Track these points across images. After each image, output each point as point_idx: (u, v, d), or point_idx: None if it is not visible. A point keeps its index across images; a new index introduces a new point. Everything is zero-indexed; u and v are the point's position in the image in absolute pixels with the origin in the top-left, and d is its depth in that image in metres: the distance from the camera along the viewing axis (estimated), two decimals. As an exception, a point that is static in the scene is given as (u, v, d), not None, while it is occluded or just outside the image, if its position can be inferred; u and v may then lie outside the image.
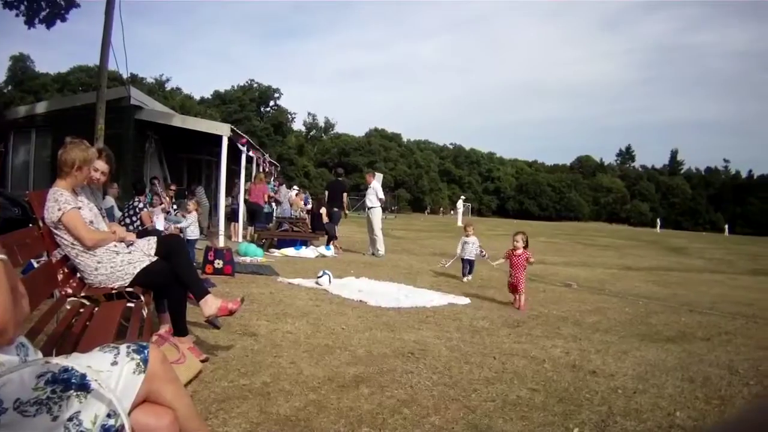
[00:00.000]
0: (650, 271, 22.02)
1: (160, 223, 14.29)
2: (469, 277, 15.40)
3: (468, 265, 15.51)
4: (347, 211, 23.26)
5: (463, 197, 71.09)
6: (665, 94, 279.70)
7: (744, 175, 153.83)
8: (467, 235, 15.63)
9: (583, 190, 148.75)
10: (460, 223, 54.94)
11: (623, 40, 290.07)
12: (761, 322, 11.43)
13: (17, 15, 21.96)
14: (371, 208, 21.41)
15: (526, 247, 12.17)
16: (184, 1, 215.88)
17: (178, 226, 15.13)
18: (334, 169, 27.07)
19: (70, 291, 5.83)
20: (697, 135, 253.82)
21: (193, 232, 15.26)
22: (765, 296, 16.04)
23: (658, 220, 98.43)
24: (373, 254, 20.83)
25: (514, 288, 11.86)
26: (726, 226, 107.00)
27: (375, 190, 21.43)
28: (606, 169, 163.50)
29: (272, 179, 29.73)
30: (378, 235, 21.13)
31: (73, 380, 2.77)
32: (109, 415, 2.79)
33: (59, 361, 2.88)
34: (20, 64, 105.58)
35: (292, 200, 27.09)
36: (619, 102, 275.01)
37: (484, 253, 15.53)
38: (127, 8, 21.04)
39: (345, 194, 23.02)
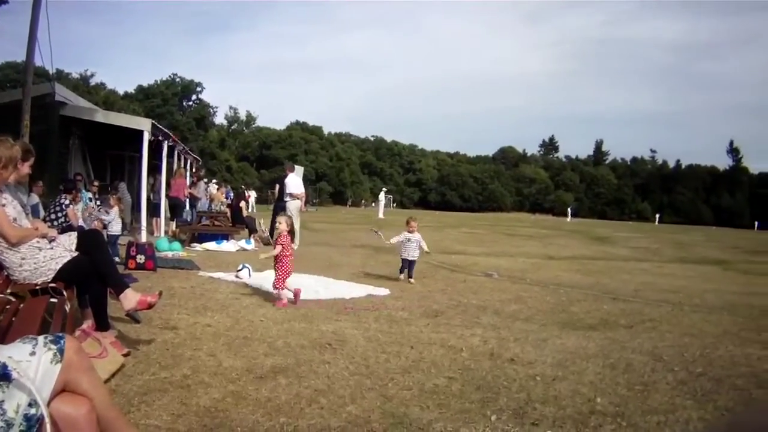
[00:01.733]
0: (573, 260, 22.32)
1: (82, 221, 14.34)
2: (411, 280, 13.82)
3: (408, 265, 14.03)
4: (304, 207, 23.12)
5: (384, 189, 70.85)
6: (589, 86, 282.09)
7: (672, 165, 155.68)
8: (411, 231, 14.15)
9: (506, 181, 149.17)
10: (381, 216, 54.86)
11: (546, 32, 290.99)
12: (687, 309, 11.64)
13: (-56, 10, 21.75)
14: (285, 201, 21.45)
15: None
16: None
17: (102, 218, 15.13)
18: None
19: None
20: (622, 126, 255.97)
21: (115, 228, 15.31)
22: (692, 283, 16.37)
23: (569, 209, 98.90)
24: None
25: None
26: (657, 216, 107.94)
27: (287, 184, 21.50)
28: (529, 159, 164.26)
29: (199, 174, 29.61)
30: (296, 227, 20.97)
31: None
32: (30, 404, 2.94)
33: None
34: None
35: (213, 195, 27.07)
36: (542, 93, 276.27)
37: (426, 249, 14.50)
38: (54, 3, 20.87)
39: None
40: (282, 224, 11.22)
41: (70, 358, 3.27)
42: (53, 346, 3.24)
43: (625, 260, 23.80)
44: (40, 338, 3.30)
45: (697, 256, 28.11)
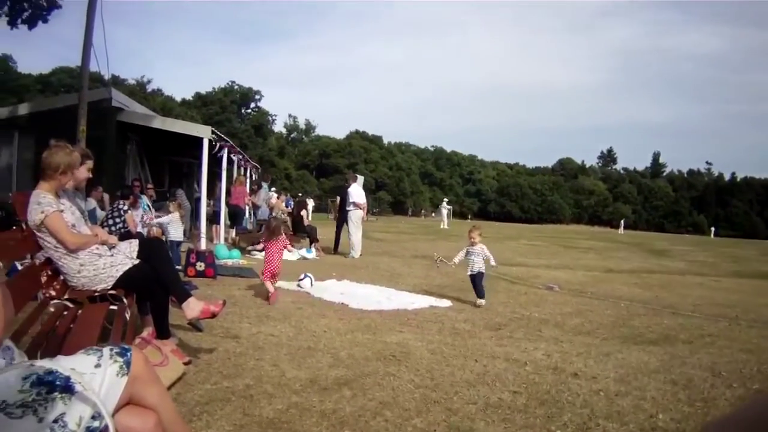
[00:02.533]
0: (632, 273, 21.88)
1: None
2: (480, 301, 12.01)
3: (473, 281, 12.30)
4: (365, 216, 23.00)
5: (446, 200, 70.36)
6: (647, 97, 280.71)
7: (727, 177, 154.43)
8: (473, 243, 12.44)
9: (565, 193, 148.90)
10: (445, 226, 54.67)
11: (605, 43, 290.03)
12: (744, 324, 11.37)
13: (0, 15, 21.90)
14: (348, 211, 21.48)
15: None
16: (166, 3, 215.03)
17: (159, 221, 15.11)
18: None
19: (53, 293, 5.83)
20: (679, 138, 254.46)
21: (176, 234, 15.25)
22: (747, 298, 15.97)
23: (622, 222, 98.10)
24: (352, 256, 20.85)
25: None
26: (712, 229, 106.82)
27: (350, 193, 21.51)
28: (588, 171, 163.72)
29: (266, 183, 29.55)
30: (351, 238, 21.35)
31: (57, 382, 2.79)
32: (93, 417, 2.81)
33: (44, 364, 2.90)
34: (2, 65, 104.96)
35: (273, 203, 27.02)
36: (601, 104, 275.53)
37: (494, 263, 12.70)
38: (109, 9, 20.94)
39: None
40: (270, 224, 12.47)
41: (138, 371, 3.17)
42: (120, 359, 3.14)
43: (682, 274, 23.44)
44: (106, 350, 3.18)
45: (752, 270, 27.57)
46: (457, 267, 13.54)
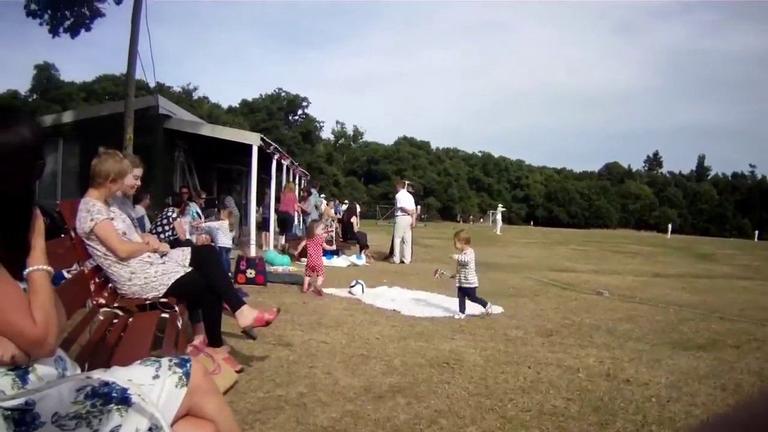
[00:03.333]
0: (679, 278, 21.82)
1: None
2: (462, 315, 10.96)
3: (464, 295, 11.15)
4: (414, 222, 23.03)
5: (501, 205, 69.81)
6: (692, 100, 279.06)
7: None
8: (463, 251, 11.25)
9: (612, 197, 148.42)
10: (498, 232, 54.45)
11: (649, 45, 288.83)
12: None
13: (41, 24, 22.09)
14: (395, 216, 21.52)
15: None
16: (210, 10, 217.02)
17: (208, 224, 15.15)
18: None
19: (102, 301, 5.81)
20: (723, 140, 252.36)
21: (225, 241, 15.26)
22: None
23: (669, 226, 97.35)
24: (401, 261, 20.96)
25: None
26: (756, 233, 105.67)
27: (398, 199, 21.52)
28: (634, 175, 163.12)
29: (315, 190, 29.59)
30: (395, 243, 21.42)
31: (113, 394, 2.75)
32: (150, 429, 2.75)
33: (99, 375, 2.84)
34: (45, 73, 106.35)
35: (322, 211, 27.05)
36: (647, 107, 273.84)
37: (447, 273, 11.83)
38: (154, 17, 21.13)
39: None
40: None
41: (197, 382, 3.11)
42: (179, 370, 3.08)
43: (727, 278, 23.34)
44: (164, 360, 3.13)
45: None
46: (509, 272, 13.47)
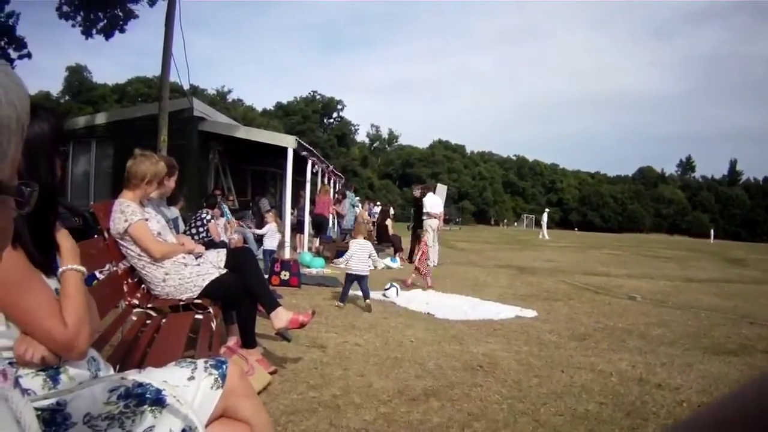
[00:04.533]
0: (711, 282, 21.71)
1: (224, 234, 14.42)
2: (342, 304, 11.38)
3: (354, 282, 11.69)
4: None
5: (547, 210, 69.30)
6: (725, 103, 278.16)
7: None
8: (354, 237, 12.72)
9: (645, 202, 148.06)
10: (546, 236, 54.18)
11: (681, 49, 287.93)
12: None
13: (74, 26, 22.25)
14: (423, 221, 21.39)
15: None
16: (244, 13, 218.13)
17: (258, 232, 15.20)
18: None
19: (136, 302, 5.83)
20: (754, 145, 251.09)
21: (271, 244, 15.29)
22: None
23: (712, 231, 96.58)
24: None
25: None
26: None
27: (424, 203, 21.38)
28: (667, 180, 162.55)
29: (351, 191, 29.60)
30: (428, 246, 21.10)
31: (147, 395, 2.72)
32: (184, 431, 2.72)
33: (134, 376, 2.83)
34: (77, 75, 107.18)
35: (357, 212, 27.06)
36: (679, 111, 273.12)
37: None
38: (187, 19, 21.16)
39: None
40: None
41: (233, 384, 3.07)
42: (215, 371, 3.05)
43: (759, 283, 23.18)
44: (200, 362, 3.10)
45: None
46: (544, 276, 13.49)
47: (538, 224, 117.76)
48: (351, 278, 11.65)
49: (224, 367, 3.08)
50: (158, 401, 2.71)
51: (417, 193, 22.63)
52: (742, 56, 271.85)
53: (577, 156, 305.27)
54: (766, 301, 16.52)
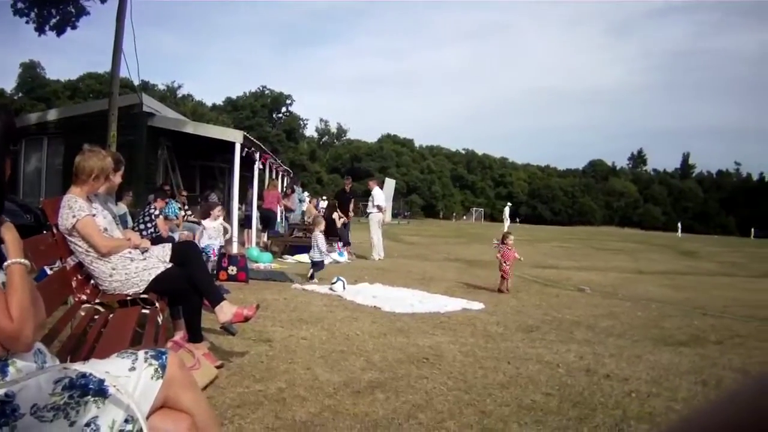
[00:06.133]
0: (663, 274, 22.01)
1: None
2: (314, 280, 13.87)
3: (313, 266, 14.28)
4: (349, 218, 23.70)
5: (509, 204, 69.14)
6: (676, 98, 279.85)
7: (755, 177, 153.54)
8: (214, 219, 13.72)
9: (596, 195, 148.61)
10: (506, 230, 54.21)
11: (633, 45, 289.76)
12: (774, 325, 11.37)
13: (27, 22, 22.10)
14: (369, 213, 22.01)
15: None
16: (196, 8, 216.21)
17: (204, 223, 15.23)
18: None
19: (84, 297, 5.83)
20: (707, 138, 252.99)
21: (218, 241, 15.36)
22: (778, 298, 15.93)
23: (679, 225, 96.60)
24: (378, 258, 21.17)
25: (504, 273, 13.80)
26: (753, 230, 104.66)
27: (373, 196, 21.88)
28: (618, 173, 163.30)
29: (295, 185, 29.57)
30: (372, 240, 21.67)
31: (90, 386, 2.79)
32: (126, 420, 2.79)
33: (77, 367, 2.90)
34: (31, 72, 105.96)
35: (305, 207, 27.08)
36: (630, 106, 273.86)
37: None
38: (139, 15, 21.11)
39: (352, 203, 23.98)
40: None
41: (173, 374, 3.14)
42: (155, 362, 3.12)
43: (712, 275, 23.62)
44: (141, 353, 3.18)
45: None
46: (492, 269, 13.73)
47: (487, 218, 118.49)
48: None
49: (164, 357, 3.15)
50: (101, 392, 2.79)
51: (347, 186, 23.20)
52: (696, 52, 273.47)
53: (527, 150, 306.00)
54: (718, 292, 16.86)
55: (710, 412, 0.81)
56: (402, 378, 6.65)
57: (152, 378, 3.03)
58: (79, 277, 6.08)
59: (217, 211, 14.93)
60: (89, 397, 2.76)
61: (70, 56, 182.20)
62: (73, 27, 22.68)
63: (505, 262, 13.84)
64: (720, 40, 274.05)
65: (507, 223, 58.97)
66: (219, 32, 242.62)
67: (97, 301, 5.85)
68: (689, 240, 65.62)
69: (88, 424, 2.72)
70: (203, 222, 13.35)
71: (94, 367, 2.92)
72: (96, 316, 5.47)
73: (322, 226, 15.43)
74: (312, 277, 14.15)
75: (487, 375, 6.96)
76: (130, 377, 2.95)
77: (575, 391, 6.48)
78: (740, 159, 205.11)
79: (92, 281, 6.20)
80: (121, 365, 3.02)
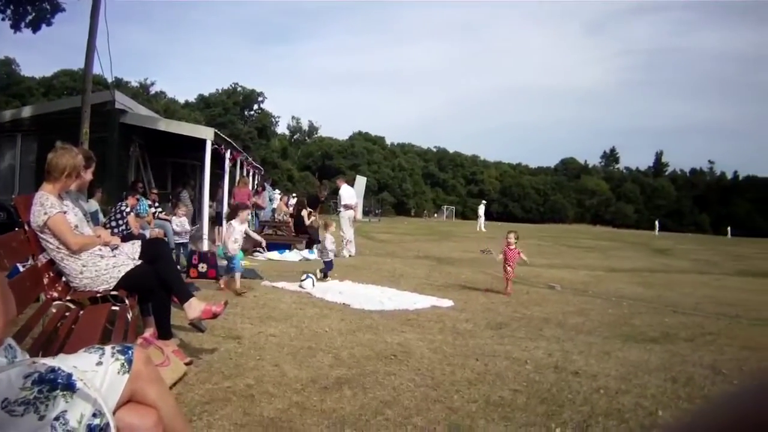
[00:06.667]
0: (634, 272, 22.02)
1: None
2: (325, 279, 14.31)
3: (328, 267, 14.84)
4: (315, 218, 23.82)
5: (484, 201, 68.83)
6: (649, 97, 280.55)
7: (729, 176, 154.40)
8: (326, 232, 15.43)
9: (568, 193, 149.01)
10: (483, 229, 54.20)
11: (606, 43, 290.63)
12: (745, 323, 11.45)
13: (3, 19, 21.99)
14: (337, 212, 22.29)
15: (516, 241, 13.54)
16: (169, 4, 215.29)
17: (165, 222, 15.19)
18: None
19: (55, 294, 5.88)
20: (681, 137, 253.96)
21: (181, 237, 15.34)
22: (750, 296, 16.04)
23: (657, 222, 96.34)
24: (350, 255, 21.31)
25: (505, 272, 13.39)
26: (729, 229, 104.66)
27: (340, 195, 22.17)
28: (590, 171, 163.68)
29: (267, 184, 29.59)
30: (344, 237, 21.83)
31: (59, 380, 2.84)
32: (94, 415, 2.85)
33: (46, 362, 2.96)
34: (5, 68, 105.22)
35: (276, 205, 27.08)
36: (603, 104, 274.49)
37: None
38: (113, 12, 21.08)
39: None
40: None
41: (139, 369, 3.21)
42: (121, 357, 3.18)
43: (685, 273, 23.62)
44: (108, 348, 3.24)
45: (755, 268, 27.69)
46: (462, 266, 13.73)
47: (459, 216, 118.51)
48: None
49: (130, 352, 3.22)
50: (69, 386, 2.85)
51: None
52: (670, 50, 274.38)
53: (499, 148, 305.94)
54: (690, 290, 16.93)
55: (712, 413, 0.82)
56: (370, 374, 6.69)
57: (119, 372, 3.09)
58: (51, 274, 6.12)
59: (182, 210, 14.99)
60: (58, 391, 2.82)
61: (45, 53, 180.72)
62: (48, 24, 22.57)
63: (508, 263, 13.73)
64: (694, 39, 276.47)
65: (482, 221, 58.66)
66: (192, 29, 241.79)
67: (68, 298, 5.90)
68: (664, 238, 65.84)
69: (57, 418, 2.78)
70: (232, 223, 13.15)
71: (63, 362, 2.98)
72: (67, 313, 5.50)
73: (333, 228, 15.64)
74: (325, 276, 14.39)
75: (455, 372, 7.00)
76: (97, 372, 3.02)
77: (543, 387, 6.52)
78: (714, 157, 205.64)
79: (63, 278, 6.24)
80: (89, 360, 3.08)
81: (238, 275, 12.00)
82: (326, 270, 14.50)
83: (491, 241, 23.13)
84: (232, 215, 13.15)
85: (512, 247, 13.68)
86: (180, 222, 15.41)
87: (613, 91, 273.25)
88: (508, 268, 13.60)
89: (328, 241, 14.93)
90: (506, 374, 6.98)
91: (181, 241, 15.21)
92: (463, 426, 5.32)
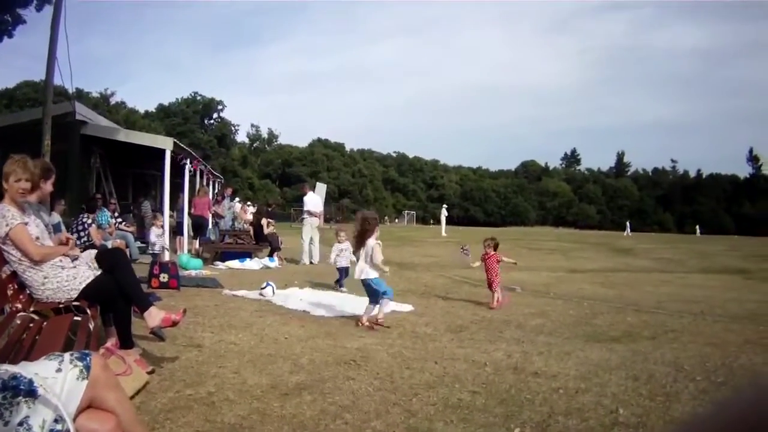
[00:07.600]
0: (596, 272, 22.09)
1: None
2: (343, 288, 14.74)
3: (343, 273, 15.07)
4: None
5: (445, 206, 68.66)
6: (609, 97, 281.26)
7: (692, 174, 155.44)
8: (340, 242, 15.44)
9: (529, 195, 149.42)
10: (444, 234, 54.16)
11: (564, 44, 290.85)
12: (709, 320, 11.48)
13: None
14: (302, 219, 22.39)
15: (495, 249, 13.11)
16: (131, 15, 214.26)
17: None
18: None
19: (19, 306, 5.92)
20: (643, 136, 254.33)
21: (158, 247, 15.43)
22: (713, 293, 16.10)
23: (628, 223, 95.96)
24: (311, 262, 21.50)
25: (489, 286, 12.85)
26: (698, 228, 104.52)
27: (305, 202, 22.31)
28: (551, 173, 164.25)
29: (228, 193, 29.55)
30: (303, 244, 22.06)
31: (21, 386, 2.95)
32: (56, 420, 2.95)
33: (7, 368, 3.07)
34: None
35: (237, 213, 27.10)
36: (563, 106, 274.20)
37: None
38: (74, 22, 21.08)
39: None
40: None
41: (97, 375, 3.30)
42: (79, 363, 3.27)
43: (648, 272, 23.59)
44: (66, 355, 3.33)
45: (719, 265, 27.79)
46: (422, 271, 13.74)
47: (419, 220, 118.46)
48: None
49: (88, 359, 3.33)
50: (31, 392, 2.96)
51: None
52: (631, 49, 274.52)
53: (459, 152, 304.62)
54: (652, 288, 17.03)
55: (711, 416, 0.85)
56: (329, 380, 6.74)
57: (77, 378, 3.20)
58: (14, 286, 6.17)
59: (159, 221, 15.07)
60: (21, 397, 2.93)
61: (7, 64, 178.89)
62: (10, 35, 22.57)
63: (487, 273, 13.04)
64: (654, 38, 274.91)
65: (444, 225, 58.64)
66: (151, 37, 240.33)
67: (31, 309, 5.94)
68: (629, 238, 66.09)
69: (21, 424, 2.89)
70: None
71: (24, 369, 3.10)
72: (31, 325, 5.52)
73: (343, 236, 15.64)
74: (341, 285, 14.82)
75: (413, 375, 7.04)
76: (57, 378, 3.13)
77: (502, 388, 6.57)
78: (676, 156, 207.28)
79: (27, 290, 6.30)
80: (49, 367, 3.19)
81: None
82: (342, 278, 14.90)
83: (451, 245, 23.19)
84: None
85: (490, 252, 13.17)
86: (158, 233, 15.51)
87: (573, 91, 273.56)
88: (494, 276, 12.93)
89: (339, 249, 15.24)
90: (465, 377, 7.03)
91: (157, 251, 15.29)
92: (422, 429, 5.36)
